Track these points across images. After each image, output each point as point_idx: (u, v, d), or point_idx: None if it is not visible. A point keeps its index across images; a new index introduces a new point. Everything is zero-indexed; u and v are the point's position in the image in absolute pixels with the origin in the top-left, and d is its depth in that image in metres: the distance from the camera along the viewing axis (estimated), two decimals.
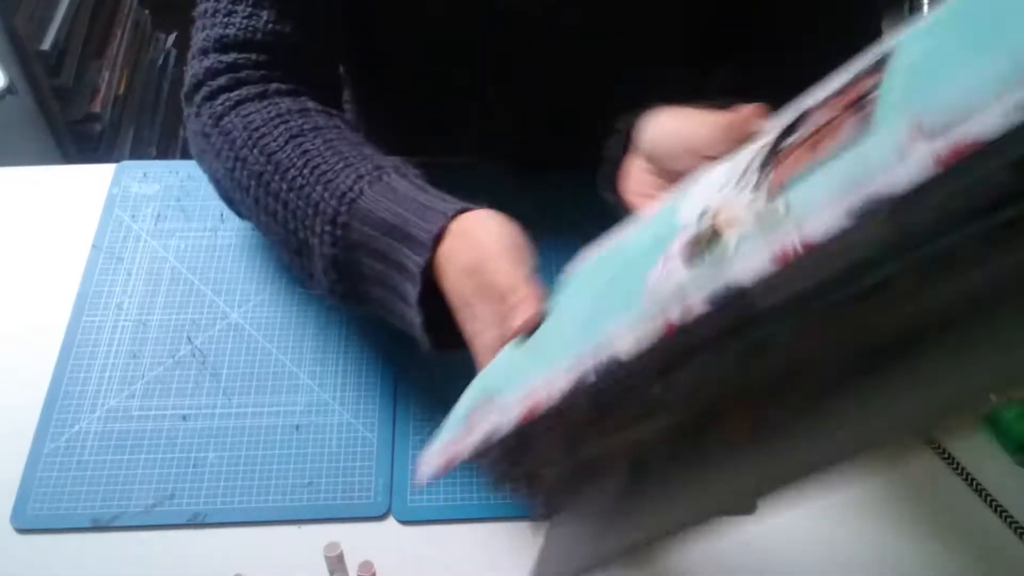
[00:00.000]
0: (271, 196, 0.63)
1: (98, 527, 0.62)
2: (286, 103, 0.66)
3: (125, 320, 0.73)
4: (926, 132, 0.26)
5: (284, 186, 0.62)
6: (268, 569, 0.60)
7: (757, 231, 0.31)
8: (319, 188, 0.60)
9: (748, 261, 0.31)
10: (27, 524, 0.62)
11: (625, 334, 0.35)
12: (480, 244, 0.54)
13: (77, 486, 0.64)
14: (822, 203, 0.29)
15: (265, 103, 0.65)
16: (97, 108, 1.68)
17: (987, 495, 0.65)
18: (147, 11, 2.00)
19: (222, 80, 0.67)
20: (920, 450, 0.67)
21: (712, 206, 0.38)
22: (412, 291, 0.56)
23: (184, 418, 0.67)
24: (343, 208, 0.59)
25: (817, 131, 0.35)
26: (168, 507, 0.63)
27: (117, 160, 1.76)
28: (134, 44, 1.91)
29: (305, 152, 0.62)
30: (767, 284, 0.30)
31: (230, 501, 0.63)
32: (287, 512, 0.63)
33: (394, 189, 0.59)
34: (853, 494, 0.65)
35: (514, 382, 0.42)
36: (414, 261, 0.55)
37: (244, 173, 0.64)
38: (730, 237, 0.33)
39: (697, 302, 0.32)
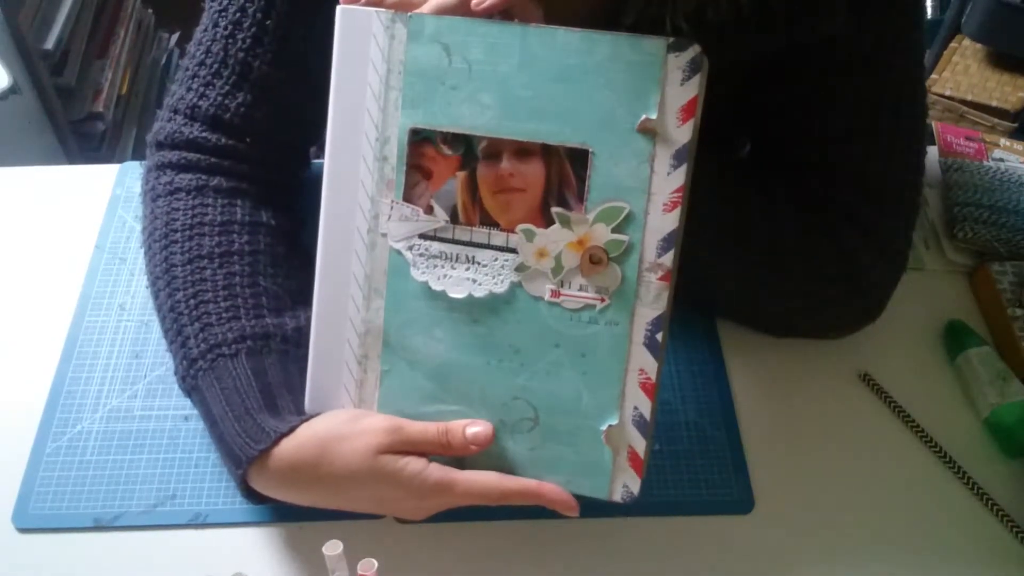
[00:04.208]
0: (157, 298, 0.65)
1: (100, 527, 0.62)
2: (216, 208, 0.66)
3: (128, 320, 0.73)
4: None
5: (168, 302, 0.63)
6: (268, 569, 0.60)
7: None
8: (196, 325, 0.61)
9: None
10: (29, 524, 0.62)
11: None
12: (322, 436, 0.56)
13: (79, 486, 0.64)
14: None
15: (196, 201, 0.66)
16: (100, 107, 1.68)
17: (987, 497, 0.65)
18: (150, 10, 2.00)
19: (174, 156, 0.68)
20: (920, 451, 0.68)
21: None
22: (242, 460, 0.57)
23: (186, 418, 0.68)
24: (209, 356, 0.60)
25: None
26: (169, 507, 0.63)
27: (119, 159, 1.76)
28: (137, 43, 1.92)
29: (202, 280, 0.63)
30: None
31: (231, 501, 0.63)
32: (287, 512, 0.63)
33: (263, 371, 0.60)
34: (852, 495, 0.65)
35: None
36: (249, 442, 0.57)
37: (148, 261, 0.66)
38: None
39: None
